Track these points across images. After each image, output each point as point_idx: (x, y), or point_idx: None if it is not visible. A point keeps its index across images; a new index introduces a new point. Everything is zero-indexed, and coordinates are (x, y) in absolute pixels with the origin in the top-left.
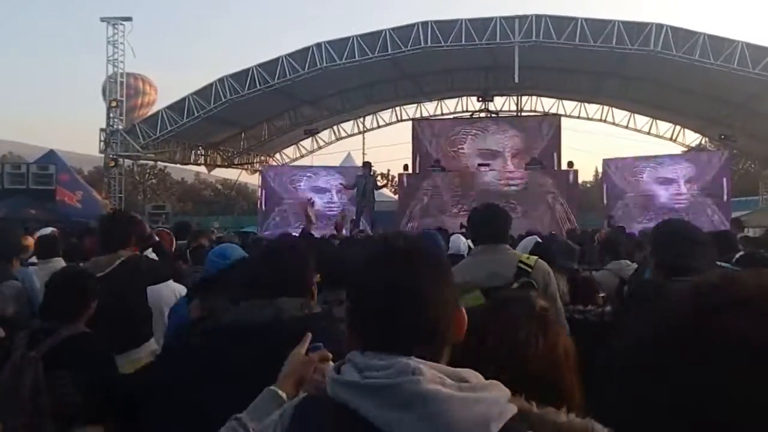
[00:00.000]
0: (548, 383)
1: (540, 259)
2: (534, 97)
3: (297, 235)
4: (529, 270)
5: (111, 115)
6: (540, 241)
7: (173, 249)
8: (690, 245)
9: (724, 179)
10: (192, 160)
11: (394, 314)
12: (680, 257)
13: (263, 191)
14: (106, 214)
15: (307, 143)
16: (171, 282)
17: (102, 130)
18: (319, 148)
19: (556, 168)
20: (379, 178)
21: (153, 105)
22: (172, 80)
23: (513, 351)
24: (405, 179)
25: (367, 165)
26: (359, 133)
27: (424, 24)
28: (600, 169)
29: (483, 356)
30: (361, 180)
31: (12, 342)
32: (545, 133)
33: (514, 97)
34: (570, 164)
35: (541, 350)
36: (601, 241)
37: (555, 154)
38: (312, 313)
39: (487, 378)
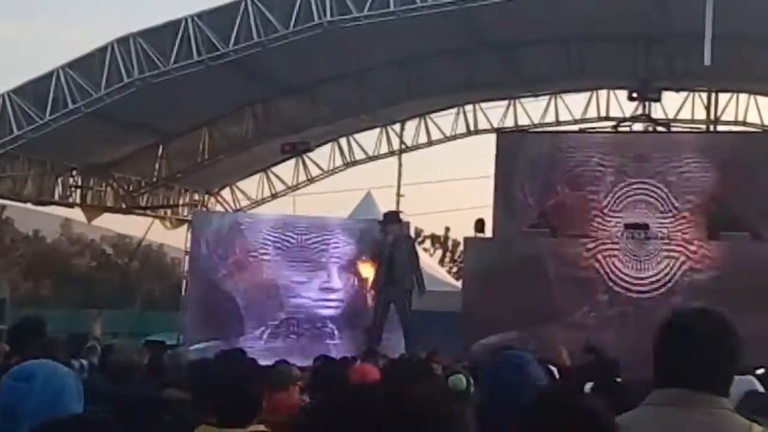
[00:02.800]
0: None
1: None
2: (742, 96)
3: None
4: None
5: None
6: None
7: None
8: None
9: None
10: (56, 196)
11: None
12: None
13: (192, 261)
14: None
15: (286, 170)
16: None
17: None
18: (311, 181)
19: None
20: (427, 243)
21: None
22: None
23: None
24: (479, 248)
25: (392, 217)
26: (391, 154)
27: None
28: None
29: None
30: (386, 247)
31: None
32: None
33: (702, 94)
34: None
35: None
36: None
37: None
38: None
39: None
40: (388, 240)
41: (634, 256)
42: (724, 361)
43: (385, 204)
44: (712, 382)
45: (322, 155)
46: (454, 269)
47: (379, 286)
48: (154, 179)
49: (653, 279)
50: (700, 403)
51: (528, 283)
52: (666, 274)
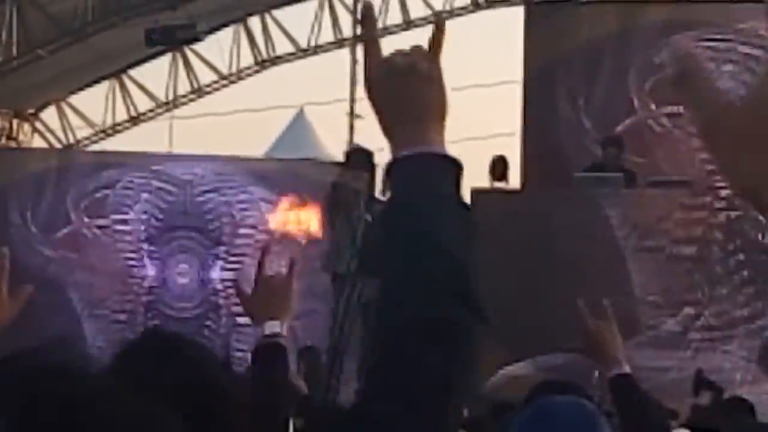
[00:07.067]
0: None
1: None
2: None
3: None
4: None
5: None
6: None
7: None
8: None
9: None
10: None
11: None
12: None
13: None
14: None
15: (156, 75)
16: None
17: None
18: (199, 93)
19: None
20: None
21: None
22: None
23: None
24: (498, 209)
25: (360, 159)
26: (339, 44)
27: None
28: None
29: None
30: (354, 205)
31: None
32: None
33: None
34: None
35: None
36: None
37: None
38: None
39: None
40: (357, 194)
41: None
42: None
43: (329, 130)
44: None
45: (218, 48)
46: None
47: (345, 270)
48: None
49: None
50: None
51: (586, 266)
52: None
